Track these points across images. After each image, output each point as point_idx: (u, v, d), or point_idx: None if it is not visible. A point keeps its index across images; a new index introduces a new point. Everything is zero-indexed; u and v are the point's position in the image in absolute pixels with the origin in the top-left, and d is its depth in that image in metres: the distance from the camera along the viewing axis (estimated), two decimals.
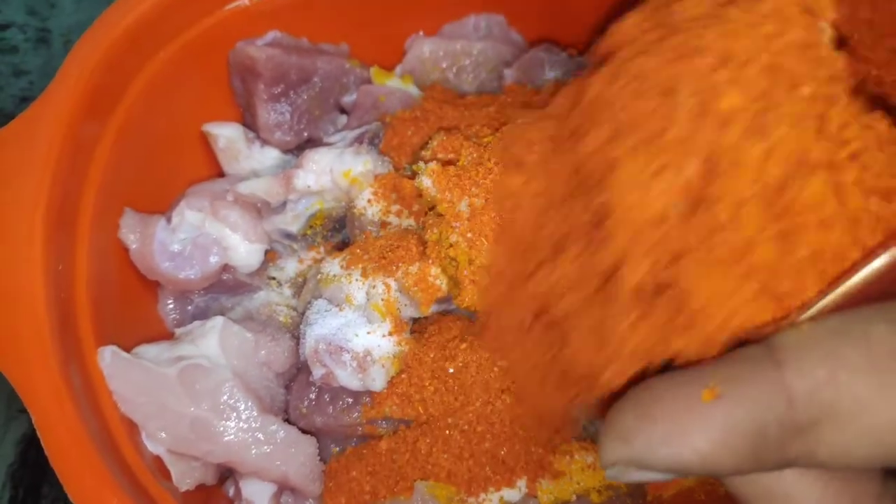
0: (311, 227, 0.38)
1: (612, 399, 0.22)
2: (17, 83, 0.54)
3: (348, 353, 0.33)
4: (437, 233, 0.32)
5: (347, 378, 0.33)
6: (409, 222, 0.35)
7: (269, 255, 0.39)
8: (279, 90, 0.39)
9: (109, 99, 0.35)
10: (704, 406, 0.19)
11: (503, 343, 0.30)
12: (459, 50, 0.42)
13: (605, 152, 0.23)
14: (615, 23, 0.25)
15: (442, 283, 0.33)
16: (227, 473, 0.36)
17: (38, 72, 0.54)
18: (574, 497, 0.34)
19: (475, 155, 0.32)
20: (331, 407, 0.34)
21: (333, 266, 0.34)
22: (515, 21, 0.43)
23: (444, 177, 0.32)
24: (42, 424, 0.30)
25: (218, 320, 0.35)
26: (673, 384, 0.21)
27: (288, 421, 0.35)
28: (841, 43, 0.22)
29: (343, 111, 0.42)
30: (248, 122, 0.41)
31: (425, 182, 0.33)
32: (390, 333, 0.33)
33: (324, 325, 0.34)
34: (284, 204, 0.37)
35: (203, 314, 0.38)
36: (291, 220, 0.37)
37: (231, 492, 0.36)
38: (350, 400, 0.34)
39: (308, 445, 0.34)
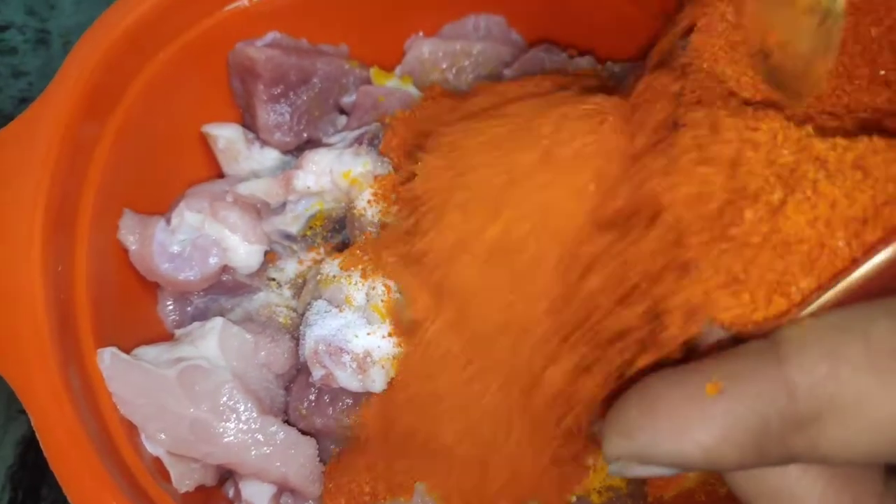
0: (310, 228, 0.38)
1: (614, 397, 0.22)
2: (17, 84, 0.54)
3: (348, 354, 0.33)
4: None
5: (347, 379, 0.33)
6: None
7: (269, 256, 0.39)
8: (279, 91, 0.39)
9: (109, 100, 0.35)
10: (707, 401, 0.20)
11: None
12: (459, 50, 0.42)
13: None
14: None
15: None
16: (226, 475, 0.36)
17: (37, 73, 0.54)
18: (574, 498, 0.34)
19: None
20: (331, 408, 0.34)
21: (333, 267, 0.34)
22: (515, 21, 0.43)
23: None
24: (41, 426, 0.30)
25: (217, 321, 0.35)
26: (675, 380, 0.21)
27: (288, 422, 0.35)
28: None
29: (343, 112, 0.42)
30: (248, 122, 0.41)
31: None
32: (390, 335, 0.33)
33: (323, 327, 0.34)
34: (284, 205, 0.37)
35: (202, 315, 0.38)
36: (291, 221, 0.37)
37: (231, 493, 0.36)
38: (350, 401, 0.34)
39: (308, 447, 0.34)
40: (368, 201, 0.36)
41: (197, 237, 0.37)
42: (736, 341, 0.21)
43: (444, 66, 0.42)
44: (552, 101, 0.29)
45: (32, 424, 0.30)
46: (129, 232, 0.36)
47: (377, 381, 0.33)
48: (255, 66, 0.38)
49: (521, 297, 0.28)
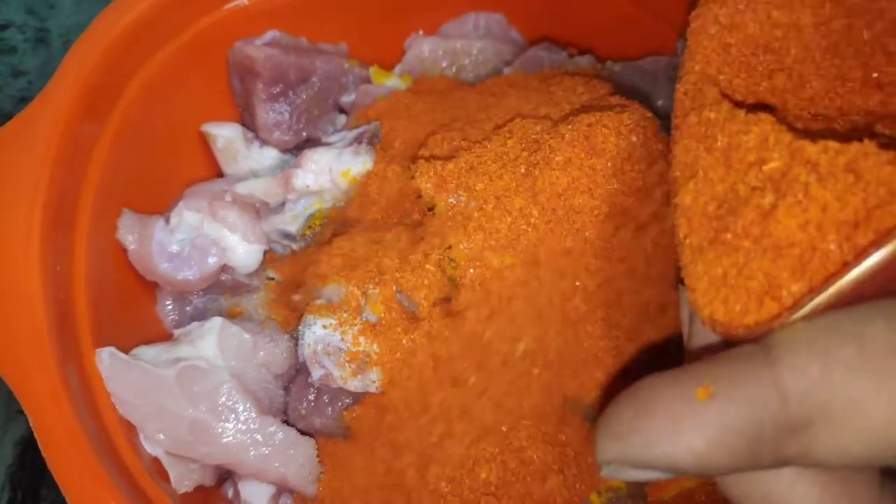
0: (309, 227, 0.38)
1: (608, 399, 0.22)
2: (16, 83, 0.54)
3: (348, 354, 0.33)
4: (436, 233, 0.32)
5: (346, 379, 0.33)
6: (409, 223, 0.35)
7: (268, 256, 0.39)
8: (278, 90, 0.39)
9: (108, 99, 0.35)
10: (699, 405, 0.19)
11: None
12: (459, 49, 0.42)
13: None
14: None
15: (441, 284, 0.32)
16: (225, 475, 0.36)
17: (36, 72, 0.54)
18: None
19: (473, 153, 0.32)
20: (330, 408, 0.34)
21: (332, 266, 0.34)
22: (515, 20, 0.43)
23: (442, 176, 0.32)
24: (39, 426, 0.30)
25: (216, 321, 0.35)
26: (667, 383, 0.21)
27: (287, 422, 0.35)
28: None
29: (342, 111, 0.42)
30: (247, 121, 0.41)
31: (423, 182, 0.33)
32: (390, 335, 0.33)
33: (323, 327, 0.33)
34: (283, 204, 0.37)
35: (202, 315, 0.38)
36: (290, 221, 0.37)
37: (230, 493, 0.36)
38: (349, 401, 0.34)
39: (307, 447, 0.34)
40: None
41: (196, 237, 0.37)
42: (727, 345, 0.21)
43: (445, 64, 0.42)
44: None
45: (31, 424, 0.30)
46: (128, 231, 0.36)
47: (376, 382, 0.33)
48: (254, 65, 0.38)
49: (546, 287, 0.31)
